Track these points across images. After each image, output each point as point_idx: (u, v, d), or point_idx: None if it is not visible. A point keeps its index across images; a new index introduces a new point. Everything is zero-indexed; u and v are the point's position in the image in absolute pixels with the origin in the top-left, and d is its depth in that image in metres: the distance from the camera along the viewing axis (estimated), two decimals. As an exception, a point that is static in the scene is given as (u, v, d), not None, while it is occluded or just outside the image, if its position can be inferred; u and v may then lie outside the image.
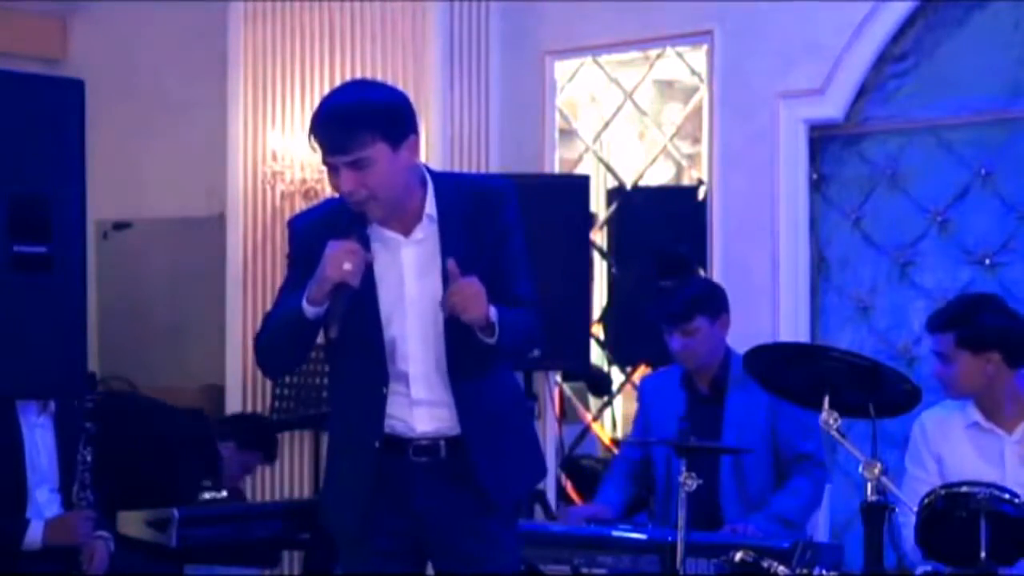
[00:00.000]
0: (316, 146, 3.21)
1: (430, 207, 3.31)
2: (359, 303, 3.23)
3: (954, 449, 4.19)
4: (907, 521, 4.00)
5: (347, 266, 3.14)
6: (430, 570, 3.50)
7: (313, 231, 3.34)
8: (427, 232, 3.31)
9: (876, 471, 3.50)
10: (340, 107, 3.21)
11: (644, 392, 4.99)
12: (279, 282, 6.55)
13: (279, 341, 3.34)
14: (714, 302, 4.79)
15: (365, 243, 3.23)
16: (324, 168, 3.27)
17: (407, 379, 3.32)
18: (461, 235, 3.30)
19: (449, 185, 3.37)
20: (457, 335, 3.26)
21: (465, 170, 6.21)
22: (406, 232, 3.31)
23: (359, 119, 3.17)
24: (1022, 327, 4.22)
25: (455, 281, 3.17)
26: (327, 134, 3.19)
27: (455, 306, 3.16)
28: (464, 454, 3.33)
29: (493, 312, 3.19)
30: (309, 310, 3.18)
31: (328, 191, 6.50)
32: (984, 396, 4.18)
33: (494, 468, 3.35)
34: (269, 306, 6.73)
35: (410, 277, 3.31)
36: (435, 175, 3.38)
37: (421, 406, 3.33)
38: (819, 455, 4.68)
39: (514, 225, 3.37)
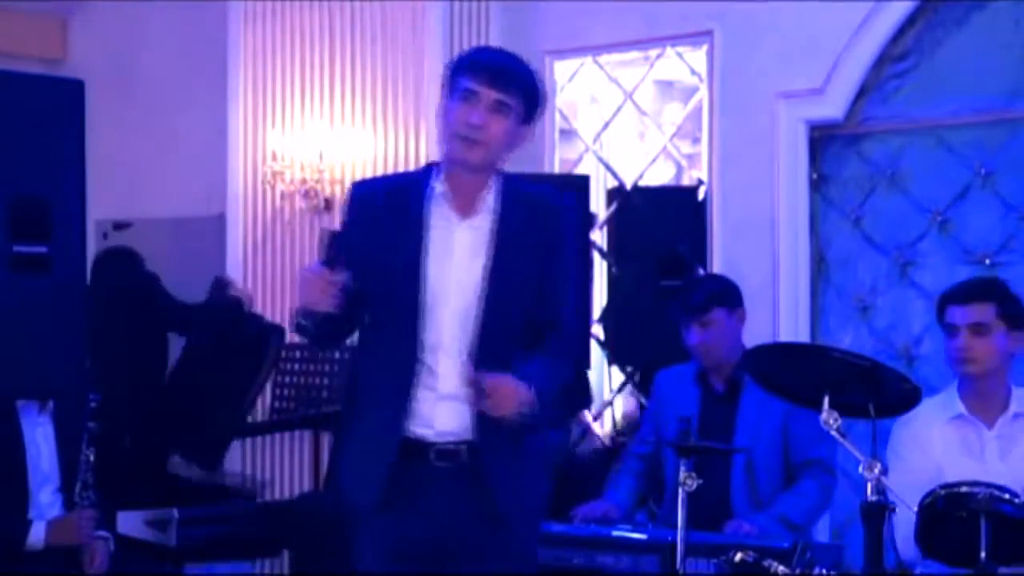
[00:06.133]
0: (466, 72, 3.29)
1: (494, 198, 3.36)
2: (402, 277, 3.26)
3: (937, 442, 4.19)
4: (900, 517, 4.01)
5: (318, 293, 3.15)
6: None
7: (372, 197, 3.40)
8: (485, 220, 3.34)
9: (876, 471, 3.50)
10: (511, 58, 3.39)
11: (658, 387, 4.96)
12: (279, 282, 6.72)
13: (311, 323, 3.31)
14: (732, 295, 4.79)
15: (421, 223, 3.30)
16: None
17: (436, 368, 3.30)
18: (517, 234, 3.35)
19: (514, 184, 3.44)
20: (492, 324, 3.29)
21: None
22: (464, 214, 3.34)
23: (524, 76, 3.35)
24: None
25: (491, 383, 3.18)
26: (494, 69, 3.31)
27: (491, 406, 3.19)
28: (479, 457, 3.31)
29: (527, 397, 3.20)
30: (302, 322, 3.22)
31: (328, 191, 6.58)
32: (989, 379, 4.17)
33: (509, 476, 3.33)
34: (269, 305, 6.82)
35: (460, 259, 3.32)
36: (504, 172, 3.44)
37: (445, 401, 3.30)
38: (829, 461, 4.65)
39: (568, 244, 3.43)
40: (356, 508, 3.39)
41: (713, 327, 4.70)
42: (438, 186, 3.35)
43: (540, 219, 3.39)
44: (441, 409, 3.31)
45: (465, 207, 3.34)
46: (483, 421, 3.28)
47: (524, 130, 3.38)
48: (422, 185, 3.35)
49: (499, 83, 3.28)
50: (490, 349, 3.29)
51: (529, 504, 3.43)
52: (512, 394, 3.19)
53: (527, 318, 3.35)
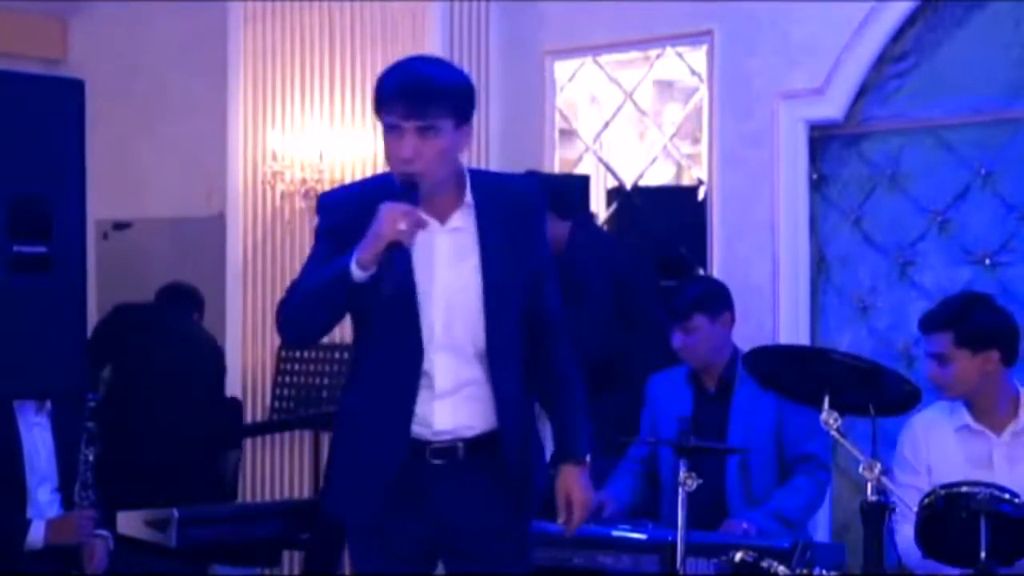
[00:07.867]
0: (384, 107, 3.20)
1: (468, 196, 3.31)
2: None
3: (943, 453, 4.18)
4: (900, 527, 4.01)
5: (402, 225, 3.10)
6: (440, 569, 3.47)
7: (348, 206, 3.33)
8: (464, 221, 3.30)
9: (876, 471, 3.50)
10: (422, 75, 3.23)
11: (651, 390, 4.98)
12: (279, 281, 6.73)
13: (314, 306, 3.24)
14: (714, 301, 4.80)
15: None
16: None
17: (432, 370, 3.28)
18: (498, 230, 3.31)
19: (484, 179, 3.40)
20: (497, 321, 3.28)
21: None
22: (442, 219, 3.29)
23: (439, 89, 3.20)
24: (1015, 324, 4.23)
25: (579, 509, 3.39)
26: (407, 96, 3.18)
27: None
28: (496, 448, 3.32)
29: (585, 462, 3.42)
30: (358, 273, 3.11)
31: (327, 188, 6.56)
32: (979, 396, 4.17)
33: (524, 463, 3.36)
34: (269, 305, 6.82)
35: (442, 265, 3.28)
36: (470, 169, 3.39)
37: (443, 399, 3.29)
38: (823, 456, 4.67)
39: (545, 231, 3.44)
40: (358, 514, 3.38)
41: (694, 333, 4.75)
42: None
43: (518, 207, 3.37)
44: (438, 408, 3.30)
45: (440, 211, 3.28)
46: (503, 404, 3.31)
47: (464, 130, 3.26)
48: (395, 194, 3.22)
49: (416, 111, 3.16)
50: (499, 345, 3.30)
51: (539, 488, 3.45)
52: (588, 500, 3.41)
53: (526, 309, 3.35)
